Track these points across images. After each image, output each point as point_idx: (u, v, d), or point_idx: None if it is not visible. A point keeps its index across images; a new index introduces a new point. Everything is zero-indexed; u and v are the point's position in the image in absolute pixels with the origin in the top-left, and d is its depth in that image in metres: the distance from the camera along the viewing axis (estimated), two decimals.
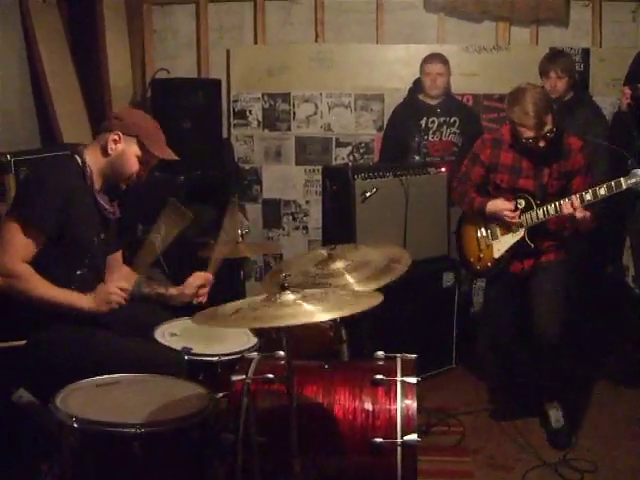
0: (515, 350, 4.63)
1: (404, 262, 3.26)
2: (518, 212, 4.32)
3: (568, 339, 4.32)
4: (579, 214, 3.97)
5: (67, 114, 5.50)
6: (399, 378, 2.94)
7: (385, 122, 6.20)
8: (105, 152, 3.35)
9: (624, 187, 3.85)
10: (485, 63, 6.29)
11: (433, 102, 5.74)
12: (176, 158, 3.52)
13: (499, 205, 4.37)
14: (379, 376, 2.92)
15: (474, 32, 6.38)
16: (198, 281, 3.64)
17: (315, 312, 2.45)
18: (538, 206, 4.24)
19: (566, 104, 5.28)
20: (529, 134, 4.11)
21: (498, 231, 4.49)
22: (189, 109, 5.65)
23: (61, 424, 2.57)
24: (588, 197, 3.98)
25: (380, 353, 3.15)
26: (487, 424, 4.60)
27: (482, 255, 4.60)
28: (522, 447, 4.28)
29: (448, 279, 5.30)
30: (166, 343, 3.37)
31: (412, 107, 5.80)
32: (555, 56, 5.45)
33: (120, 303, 3.25)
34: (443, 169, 5.32)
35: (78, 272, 3.33)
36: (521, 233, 4.36)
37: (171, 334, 3.47)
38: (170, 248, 3.84)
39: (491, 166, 4.43)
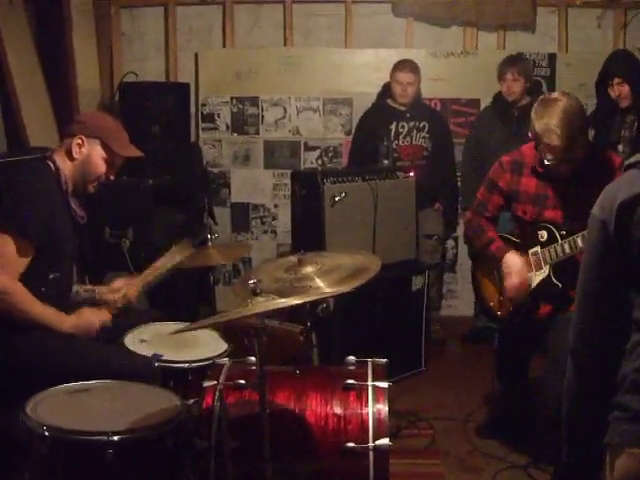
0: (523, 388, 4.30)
1: (373, 266, 3.26)
2: (525, 284, 3.78)
3: None
4: None
5: (34, 117, 5.45)
6: (370, 383, 2.95)
7: (354, 126, 6.22)
8: (71, 156, 3.37)
9: None
10: (453, 68, 6.34)
11: (402, 107, 5.77)
12: (141, 154, 3.55)
13: (514, 266, 3.79)
14: (350, 381, 2.93)
15: (442, 37, 6.45)
16: (116, 285, 3.66)
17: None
18: (563, 238, 3.66)
19: (523, 108, 5.35)
20: (552, 154, 3.52)
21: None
22: (157, 113, 5.63)
23: (31, 433, 2.55)
24: None
25: (351, 358, 3.16)
26: (457, 426, 4.62)
27: (502, 299, 3.97)
28: (492, 449, 4.30)
29: (417, 282, 5.32)
30: (136, 350, 3.35)
31: (381, 112, 5.82)
32: (512, 59, 5.59)
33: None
34: (412, 174, 5.34)
35: (51, 276, 3.33)
36: (545, 271, 3.76)
37: (141, 340, 3.45)
38: (138, 253, 3.85)
39: (511, 194, 3.83)
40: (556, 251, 3.69)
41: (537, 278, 3.82)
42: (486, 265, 4.10)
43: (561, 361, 3.48)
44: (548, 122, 3.45)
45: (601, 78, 5.26)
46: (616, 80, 5.01)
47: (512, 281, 3.81)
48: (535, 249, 3.79)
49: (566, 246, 3.65)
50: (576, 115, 3.49)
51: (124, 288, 3.60)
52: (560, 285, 3.72)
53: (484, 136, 5.68)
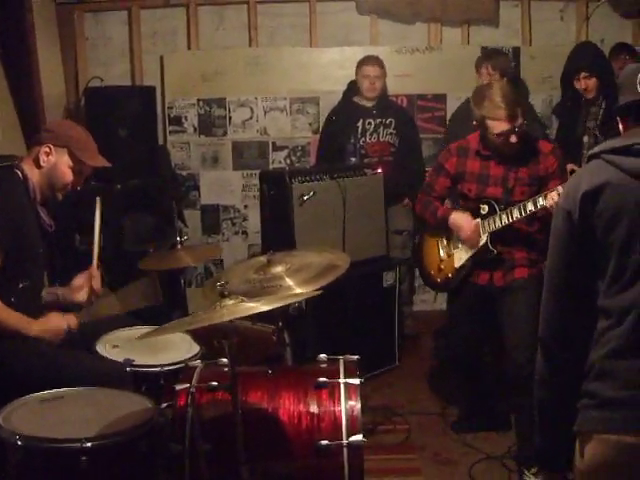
0: (478, 365, 4.47)
1: (342, 263, 3.27)
2: (479, 229, 4.08)
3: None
4: None
5: None
6: (342, 380, 2.97)
7: (321, 125, 6.23)
8: (38, 165, 3.36)
9: None
10: (418, 64, 6.38)
11: (368, 104, 5.78)
12: (108, 165, 3.54)
13: (460, 219, 4.14)
14: (322, 379, 2.95)
15: (406, 33, 6.48)
16: (77, 283, 3.63)
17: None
18: (502, 210, 3.98)
19: None
20: (503, 127, 3.88)
21: (460, 240, 4.23)
22: (124, 117, 5.61)
23: (5, 442, 2.53)
24: (554, 194, 3.68)
25: (323, 356, 3.17)
26: (432, 421, 4.66)
27: (443, 266, 4.36)
28: (467, 441, 4.34)
29: (388, 278, 5.34)
30: (108, 355, 3.34)
31: (347, 109, 5.83)
32: (488, 53, 5.63)
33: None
34: (379, 170, 5.37)
35: (21, 285, 3.31)
36: (483, 239, 4.09)
37: (113, 346, 3.44)
38: (109, 259, 3.84)
39: (457, 175, 4.19)
40: (494, 221, 4.02)
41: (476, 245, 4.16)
42: (430, 235, 4.48)
43: (522, 326, 3.86)
44: (491, 101, 3.88)
45: (567, 71, 5.31)
46: (583, 74, 5.05)
47: (465, 231, 4.14)
48: (477, 220, 4.10)
49: (503, 216, 3.98)
50: (510, 89, 4.00)
51: (86, 283, 3.58)
52: (495, 251, 4.07)
53: (460, 131, 5.69)
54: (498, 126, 3.89)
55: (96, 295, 3.61)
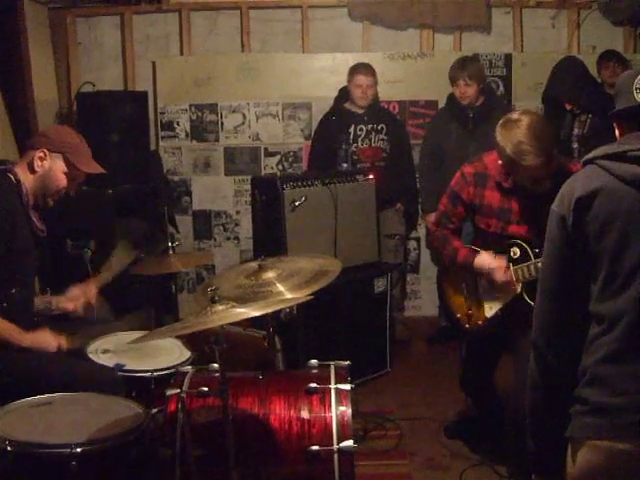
0: (491, 391, 4.23)
1: (334, 269, 3.28)
2: (510, 272, 3.62)
3: None
4: None
5: None
6: (333, 386, 2.98)
7: (313, 130, 6.23)
8: (32, 169, 3.35)
9: None
10: (410, 70, 6.38)
11: (360, 110, 5.80)
12: (103, 171, 3.54)
13: (487, 262, 3.67)
14: (313, 384, 2.95)
15: (398, 40, 6.49)
16: (74, 292, 3.63)
17: None
18: (537, 256, 3.48)
19: (479, 110, 5.41)
20: (534, 173, 3.35)
21: (491, 286, 3.74)
22: (116, 122, 5.60)
23: None
24: None
25: (313, 361, 3.18)
26: (423, 426, 4.65)
27: (472, 312, 3.87)
28: (458, 447, 4.34)
29: (379, 285, 5.35)
30: (99, 360, 3.34)
31: (339, 115, 5.85)
32: (462, 63, 5.57)
33: None
34: (371, 176, 5.37)
35: (12, 291, 3.30)
36: (517, 289, 3.61)
37: (104, 350, 3.44)
38: (100, 264, 3.87)
39: (474, 207, 3.73)
40: (529, 269, 3.56)
41: (509, 295, 3.69)
42: (453, 276, 3.99)
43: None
44: (519, 144, 3.29)
45: (550, 94, 5.38)
46: (566, 103, 5.13)
47: (497, 275, 3.65)
48: (505, 262, 3.65)
49: (540, 265, 3.36)
50: (543, 128, 3.36)
51: (82, 296, 3.58)
52: (532, 304, 3.48)
53: (441, 137, 5.72)
54: (529, 172, 3.36)
55: (89, 307, 3.61)
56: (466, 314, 3.90)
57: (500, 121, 3.45)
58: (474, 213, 3.77)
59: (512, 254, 3.61)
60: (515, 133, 3.31)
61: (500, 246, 3.66)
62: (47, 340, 3.28)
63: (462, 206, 3.79)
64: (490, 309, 3.79)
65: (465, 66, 5.52)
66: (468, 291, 3.89)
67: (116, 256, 3.82)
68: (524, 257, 3.58)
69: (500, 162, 3.53)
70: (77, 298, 3.57)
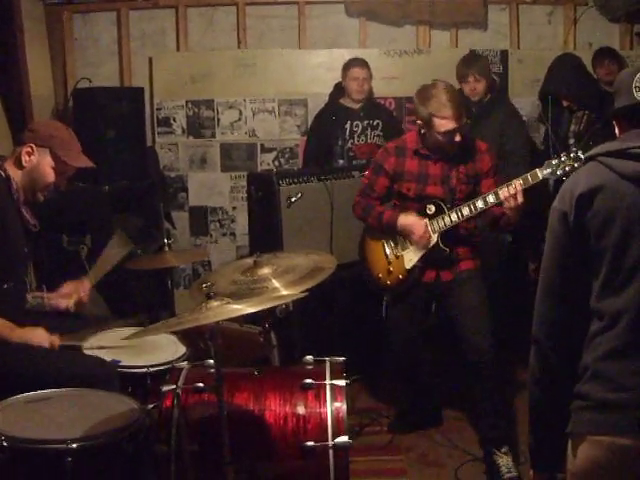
0: (417, 364, 4.54)
1: (329, 265, 3.28)
2: (429, 229, 4.10)
3: (497, 347, 4.12)
4: (520, 199, 3.75)
5: None
6: (328, 381, 2.99)
7: (309, 127, 6.23)
8: (20, 165, 3.36)
9: (540, 178, 3.78)
10: (406, 66, 6.38)
11: (355, 106, 5.79)
12: (92, 165, 3.54)
13: (410, 220, 4.14)
14: (308, 380, 2.97)
15: (395, 36, 6.48)
16: (67, 289, 3.64)
17: None
18: (450, 209, 4.05)
19: (484, 106, 5.40)
20: (449, 125, 3.94)
21: (407, 241, 4.22)
22: (112, 118, 5.60)
23: None
24: (505, 191, 3.80)
25: (309, 357, 3.18)
26: None
27: (392, 268, 4.29)
28: (453, 443, 4.35)
29: None
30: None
31: (334, 112, 5.83)
32: (471, 60, 5.57)
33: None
34: (367, 172, 5.36)
35: (5, 286, 3.30)
36: (434, 239, 4.12)
37: (100, 347, 3.44)
38: (96, 260, 3.86)
39: (396, 175, 4.22)
40: (444, 220, 4.07)
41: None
42: (372, 239, 4.43)
43: (479, 317, 3.99)
44: (438, 100, 3.94)
45: (547, 92, 5.39)
46: (564, 100, 5.14)
47: (417, 233, 4.12)
48: (424, 220, 4.12)
49: (453, 215, 4.04)
50: (453, 90, 4.10)
51: (75, 294, 3.58)
52: (447, 250, 4.11)
53: None
54: (445, 125, 3.95)
55: (82, 305, 3.61)
56: (387, 270, 4.32)
57: (415, 92, 4.14)
58: (396, 181, 4.24)
59: (428, 210, 4.12)
60: (433, 92, 3.98)
61: (418, 208, 4.16)
62: (39, 339, 3.26)
63: (385, 176, 4.27)
64: (410, 261, 4.23)
65: (474, 62, 5.51)
66: (388, 249, 4.33)
67: (111, 247, 3.79)
68: (438, 211, 4.10)
69: (417, 132, 4.19)
70: (70, 295, 3.56)
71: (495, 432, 4.08)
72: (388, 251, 4.33)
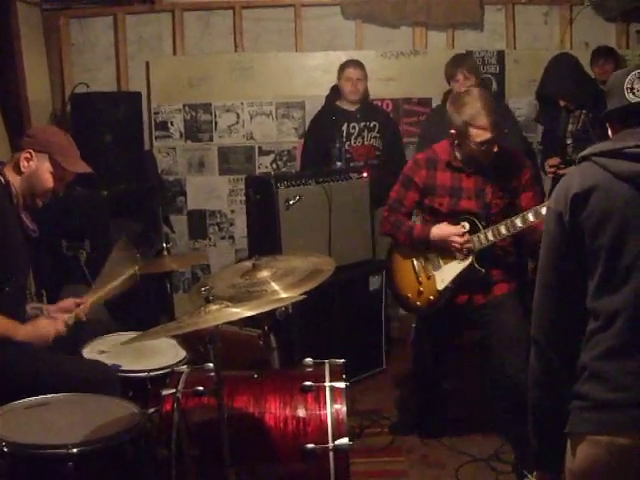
0: (438, 378, 4.43)
1: (327, 267, 3.29)
2: (467, 236, 3.86)
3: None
4: None
5: None
6: (328, 384, 2.99)
7: (306, 129, 6.24)
8: (19, 170, 3.35)
9: None
10: (403, 68, 6.39)
11: (352, 108, 5.81)
12: (90, 171, 3.53)
13: (445, 230, 3.90)
14: (308, 383, 2.97)
15: (392, 37, 6.49)
16: (65, 305, 3.59)
17: None
18: (485, 227, 3.82)
19: None
20: (486, 135, 3.71)
21: (439, 260, 4.00)
22: (110, 123, 5.61)
23: None
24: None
25: (308, 360, 3.19)
26: None
27: (423, 289, 4.06)
28: (454, 444, 4.35)
29: (374, 282, 5.35)
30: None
31: (331, 114, 5.84)
32: (459, 58, 5.61)
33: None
34: (365, 174, 5.38)
35: (5, 290, 3.31)
36: (469, 259, 3.88)
37: (100, 351, 3.45)
38: (95, 265, 3.85)
39: (427, 189, 3.98)
40: (480, 239, 3.85)
41: (461, 265, 3.94)
42: (401, 257, 4.20)
43: (515, 343, 3.67)
44: (472, 108, 3.71)
45: (544, 92, 5.39)
46: (561, 100, 5.13)
47: (455, 240, 3.88)
48: (461, 228, 3.89)
49: (489, 234, 3.81)
50: (489, 97, 3.85)
51: (74, 310, 3.55)
52: (483, 270, 3.88)
53: (437, 134, 5.71)
54: (482, 135, 3.72)
55: (79, 320, 3.59)
56: (417, 291, 4.09)
57: (448, 99, 3.98)
58: (427, 196, 4.00)
59: (462, 228, 3.88)
60: (468, 100, 3.76)
61: (451, 224, 3.91)
62: (44, 329, 3.25)
63: (415, 190, 4.03)
64: (442, 282, 3.99)
65: (461, 61, 5.54)
66: (419, 269, 4.10)
67: (112, 260, 3.77)
68: (473, 229, 3.86)
69: (450, 143, 3.94)
70: (69, 310, 3.53)
71: (530, 458, 3.81)
72: (418, 270, 4.10)
